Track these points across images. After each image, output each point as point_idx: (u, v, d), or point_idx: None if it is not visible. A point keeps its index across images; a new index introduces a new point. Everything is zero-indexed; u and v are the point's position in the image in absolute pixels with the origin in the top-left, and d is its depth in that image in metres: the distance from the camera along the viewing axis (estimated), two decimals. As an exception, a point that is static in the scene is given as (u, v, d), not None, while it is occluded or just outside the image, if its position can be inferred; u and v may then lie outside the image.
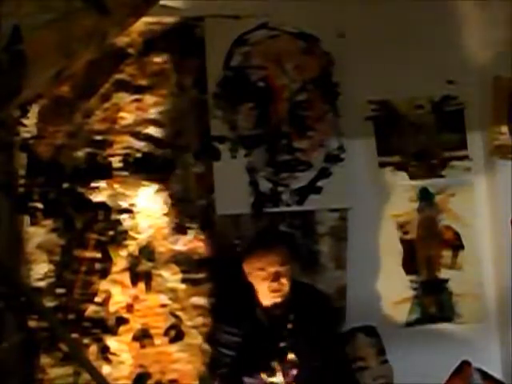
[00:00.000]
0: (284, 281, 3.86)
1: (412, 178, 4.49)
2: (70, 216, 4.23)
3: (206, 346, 4.22)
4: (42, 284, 4.18)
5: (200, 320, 4.26)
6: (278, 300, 3.86)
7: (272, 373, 3.82)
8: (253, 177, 4.34)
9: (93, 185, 4.26)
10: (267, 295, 3.86)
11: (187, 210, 4.31)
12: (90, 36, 3.36)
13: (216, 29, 4.35)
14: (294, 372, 3.83)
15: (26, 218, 4.19)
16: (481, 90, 4.51)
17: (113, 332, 4.21)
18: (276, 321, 3.87)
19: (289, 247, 3.99)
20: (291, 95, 4.41)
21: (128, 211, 4.27)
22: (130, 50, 4.34)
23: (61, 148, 4.26)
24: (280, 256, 3.87)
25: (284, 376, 3.82)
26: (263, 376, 3.83)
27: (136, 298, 4.24)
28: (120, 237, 4.25)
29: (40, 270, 4.18)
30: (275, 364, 3.83)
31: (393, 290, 4.42)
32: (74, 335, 4.16)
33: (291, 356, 3.84)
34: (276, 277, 3.84)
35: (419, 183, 4.50)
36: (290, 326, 3.86)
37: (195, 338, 4.26)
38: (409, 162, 4.50)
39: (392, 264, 4.44)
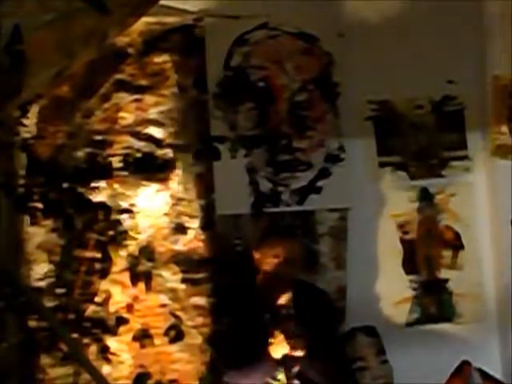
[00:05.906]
0: None
1: (412, 178, 4.49)
2: (69, 216, 4.23)
3: (206, 346, 4.23)
4: (42, 284, 4.18)
5: (200, 320, 4.26)
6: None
7: (274, 370, 3.82)
8: (253, 177, 4.34)
9: (93, 185, 4.26)
10: None
11: (187, 210, 4.31)
12: (90, 36, 3.36)
13: (216, 29, 4.35)
14: (297, 369, 3.82)
15: (26, 218, 4.19)
16: (481, 90, 4.51)
17: (113, 332, 4.21)
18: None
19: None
20: (291, 95, 4.41)
21: (128, 211, 4.27)
22: (130, 50, 4.34)
23: (61, 148, 4.26)
24: (295, 245, 3.95)
25: (286, 373, 3.82)
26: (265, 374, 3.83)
27: (136, 298, 4.24)
28: (120, 237, 4.25)
29: (40, 270, 4.18)
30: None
31: (393, 290, 4.42)
32: (74, 335, 4.15)
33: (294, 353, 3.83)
34: None
35: (419, 183, 4.50)
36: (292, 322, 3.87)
37: (195, 338, 4.26)
38: (409, 161, 4.50)
39: (392, 264, 4.44)
